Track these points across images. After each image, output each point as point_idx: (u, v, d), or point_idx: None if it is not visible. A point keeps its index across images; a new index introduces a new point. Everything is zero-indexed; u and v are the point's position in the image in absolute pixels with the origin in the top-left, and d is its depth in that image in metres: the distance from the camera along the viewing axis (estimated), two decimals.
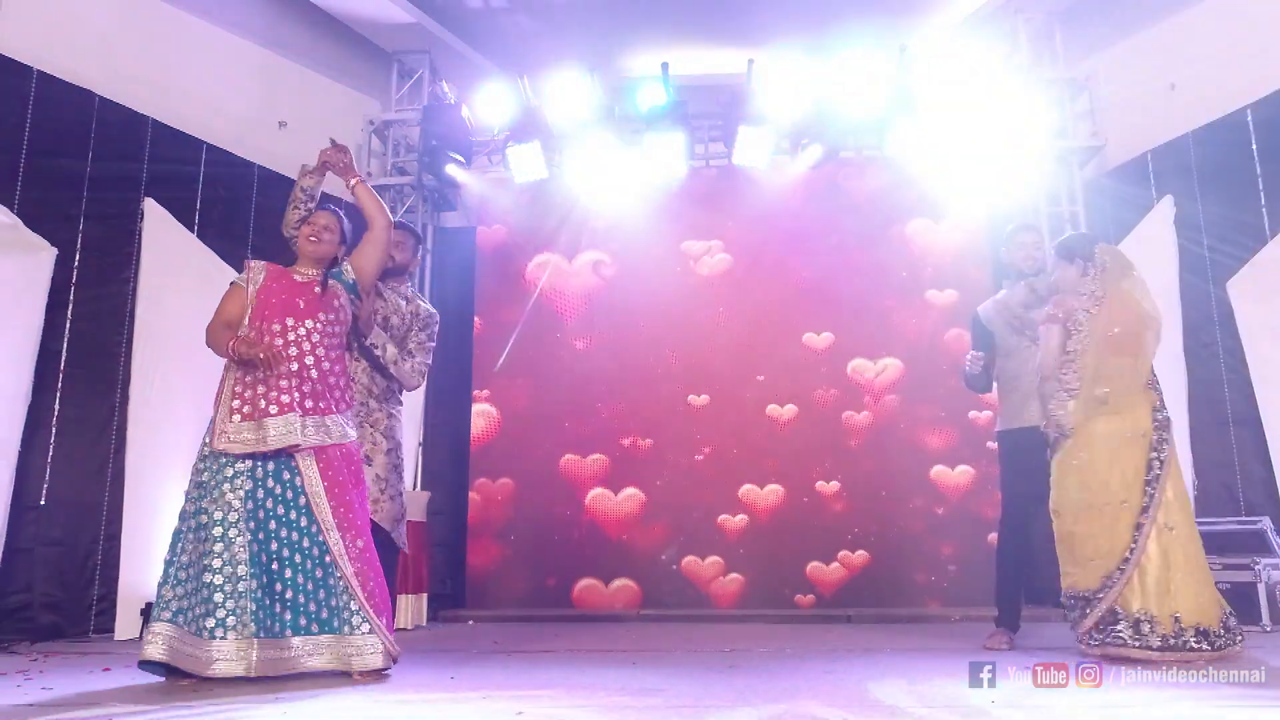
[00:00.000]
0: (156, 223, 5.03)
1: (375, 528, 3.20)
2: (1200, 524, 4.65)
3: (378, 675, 2.83)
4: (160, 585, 2.83)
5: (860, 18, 5.94)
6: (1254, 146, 5.10)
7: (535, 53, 6.41)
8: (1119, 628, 3.05)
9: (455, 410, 6.32)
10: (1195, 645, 2.97)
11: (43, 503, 4.49)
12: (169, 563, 2.85)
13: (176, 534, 2.88)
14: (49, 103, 4.74)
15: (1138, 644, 3.00)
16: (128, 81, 5.20)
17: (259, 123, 6.09)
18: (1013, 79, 5.94)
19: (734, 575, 5.88)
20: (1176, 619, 3.01)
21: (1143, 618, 3.03)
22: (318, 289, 3.06)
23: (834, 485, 5.94)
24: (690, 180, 6.36)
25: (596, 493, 6.05)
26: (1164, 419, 3.22)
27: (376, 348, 3.42)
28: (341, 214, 3.30)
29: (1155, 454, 3.15)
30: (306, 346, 2.97)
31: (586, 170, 6.25)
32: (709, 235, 6.37)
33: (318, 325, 3.01)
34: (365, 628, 2.83)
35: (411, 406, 5.94)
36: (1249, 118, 5.14)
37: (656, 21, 6.27)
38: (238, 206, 5.68)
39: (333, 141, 3.36)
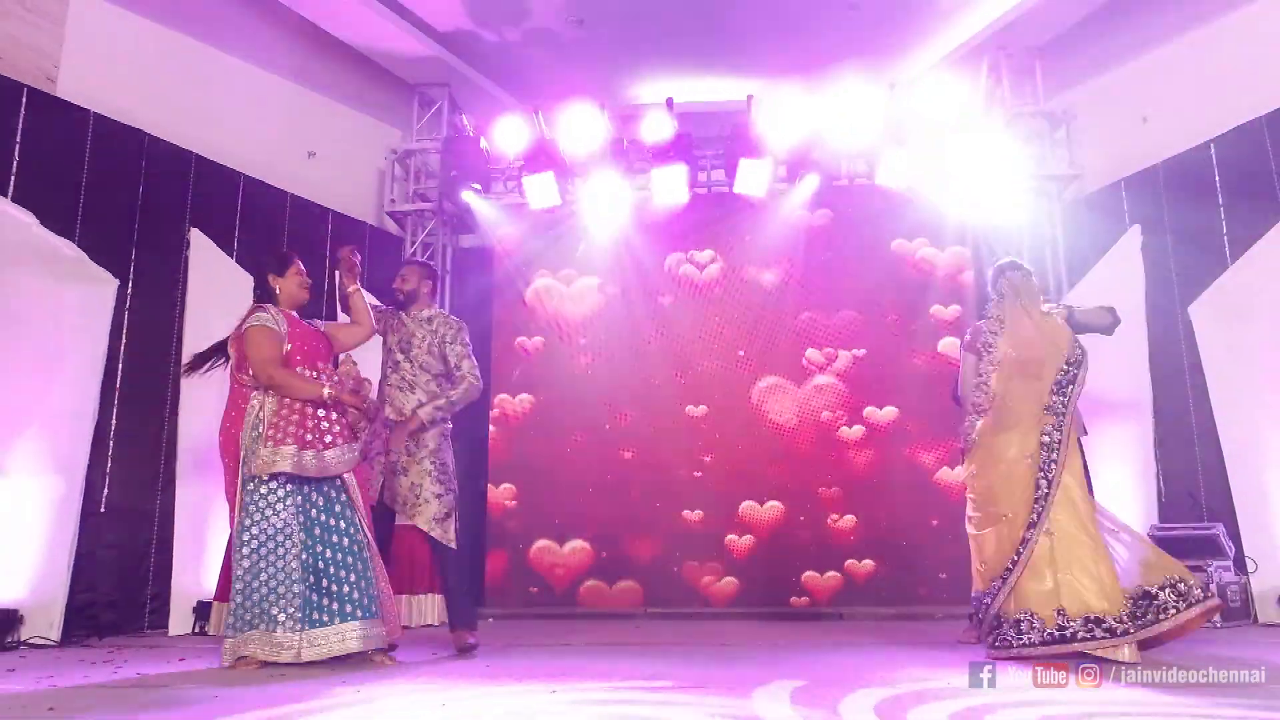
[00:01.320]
0: (201, 251, 5.45)
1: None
2: (1162, 529, 5.12)
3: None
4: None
5: (852, 56, 6.36)
6: (1216, 179, 5.50)
7: (548, 84, 6.82)
8: (1003, 629, 3.35)
9: (473, 419, 6.73)
10: (1085, 635, 3.15)
11: (102, 510, 4.91)
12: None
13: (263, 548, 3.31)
14: (104, 142, 5.16)
15: (1019, 642, 3.26)
16: (173, 118, 5.63)
17: (290, 153, 6.52)
18: (995, 111, 6.37)
19: (729, 579, 6.30)
20: (1060, 613, 3.23)
21: (1022, 617, 3.29)
22: (328, 341, 3.66)
23: (834, 490, 6.34)
24: (693, 204, 6.76)
25: (602, 500, 6.48)
26: (1053, 440, 3.42)
27: (440, 410, 3.78)
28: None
29: (1042, 474, 3.41)
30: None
31: (596, 197, 6.66)
32: (709, 257, 6.78)
33: (331, 367, 3.58)
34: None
35: None
36: (1212, 151, 5.53)
37: (662, 54, 6.68)
38: (271, 232, 6.10)
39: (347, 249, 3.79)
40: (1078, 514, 3.37)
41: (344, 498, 3.43)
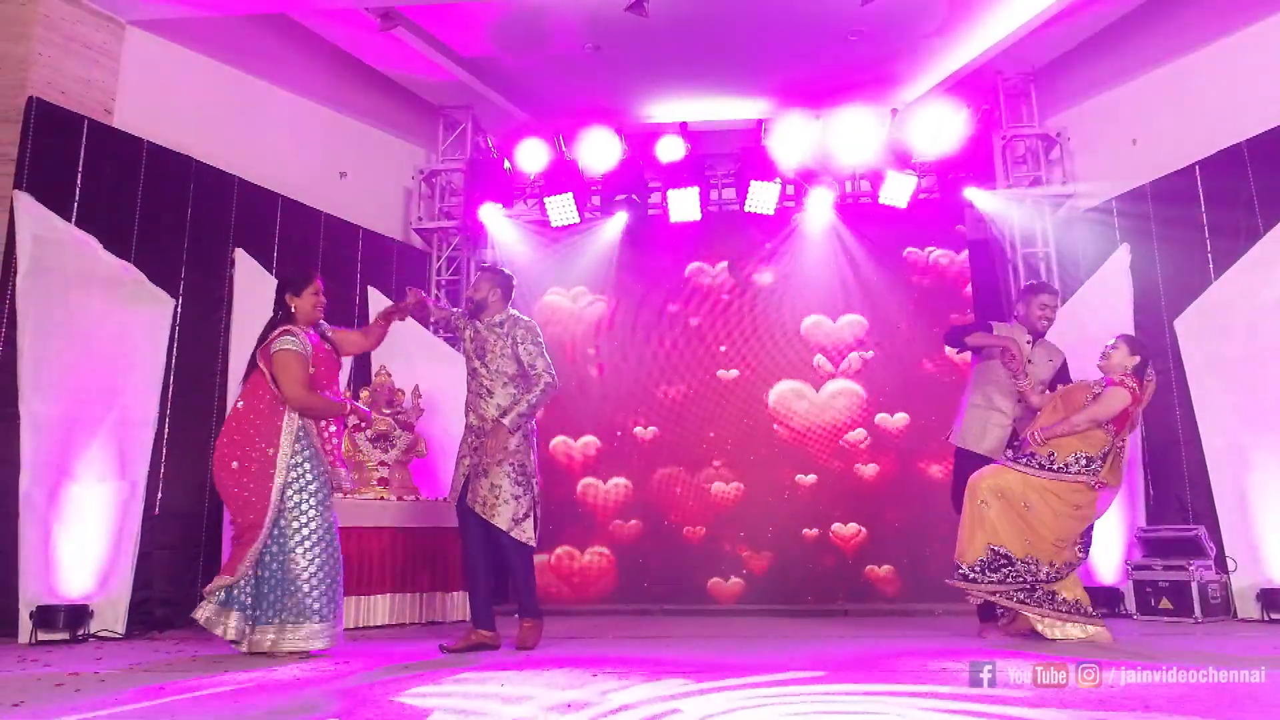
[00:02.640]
0: (246, 270, 5.80)
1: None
2: (1148, 531, 5.44)
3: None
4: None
5: (855, 80, 6.71)
6: (1201, 199, 5.81)
7: (567, 106, 7.18)
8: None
9: None
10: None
11: (156, 513, 5.27)
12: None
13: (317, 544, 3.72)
14: (156, 168, 5.51)
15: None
16: (218, 145, 5.99)
17: (323, 174, 6.88)
18: (992, 132, 6.71)
19: (735, 580, 6.67)
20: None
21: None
22: (337, 358, 4.05)
23: (852, 527, 6.68)
24: (705, 220, 7.09)
25: (617, 505, 6.84)
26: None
27: (522, 416, 3.98)
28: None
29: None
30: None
31: (614, 214, 7.01)
32: (721, 271, 7.13)
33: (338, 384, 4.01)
34: None
35: (455, 417, 6.75)
36: (1198, 173, 5.84)
37: (675, 77, 7.01)
38: (307, 250, 6.46)
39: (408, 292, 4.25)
40: None
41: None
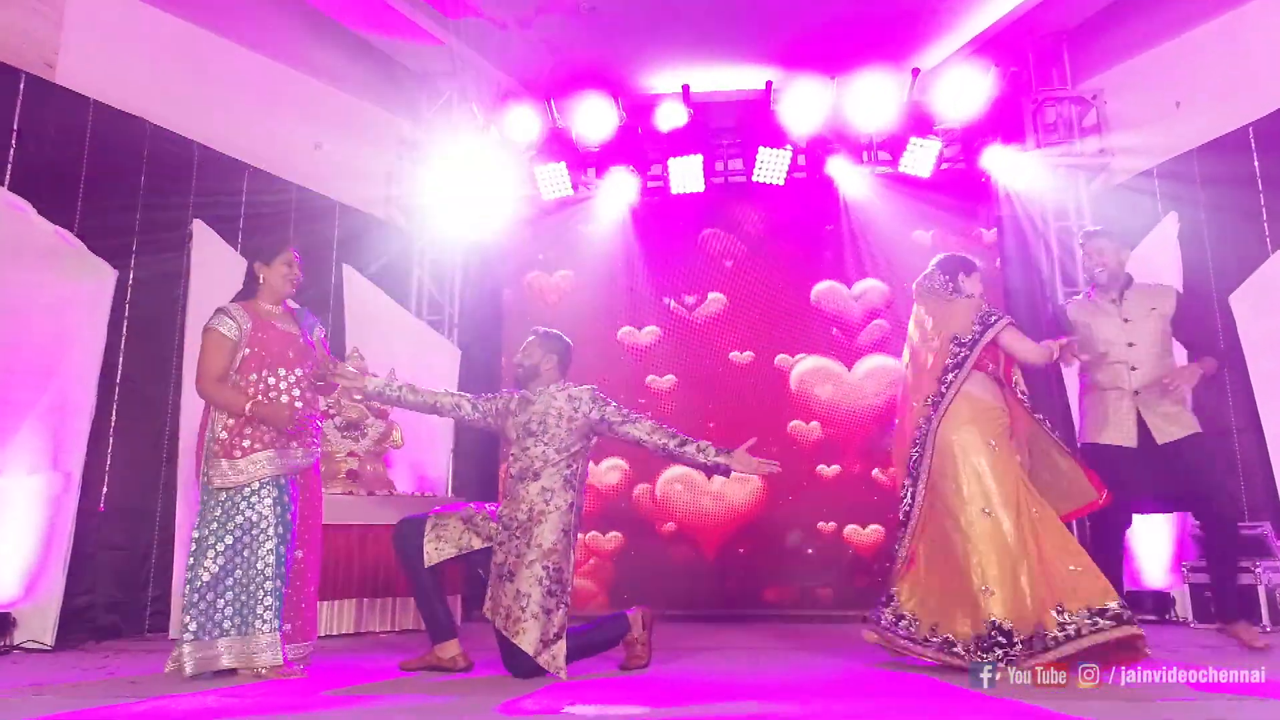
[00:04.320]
0: (204, 243, 5.29)
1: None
2: (1202, 529, 4.86)
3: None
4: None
5: (873, 42, 6.15)
6: (1256, 164, 5.28)
7: (560, 73, 6.65)
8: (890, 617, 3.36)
9: None
10: (934, 643, 3.18)
11: (102, 509, 4.76)
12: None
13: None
14: (104, 130, 5.01)
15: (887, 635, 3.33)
16: (176, 108, 5.46)
17: (296, 144, 6.34)
18: (1021, 97, 6.16)
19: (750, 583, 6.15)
20: (933, 627, 3.22)
21: (905, 615, 3.28)
22: (301, 340, 3.48)
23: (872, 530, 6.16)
24: (710, 191, 6.58)
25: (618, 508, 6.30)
26: (920, 434, 3.38)
27: (700, 456, 3.34)
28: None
29: (912, 471, 3.40)
30: (296, 393, 3.38)
31: (610, 187, 6.49)
32: (729, 246, 6.62)
33: (302, 373, 3.42)
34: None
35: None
36: (1251, 135, 5.31)
37: (677, 42, 6.48)
38: (278, 226, 5.94)
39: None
40: (953, 517, 3.32)
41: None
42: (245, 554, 3.17)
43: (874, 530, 6.09)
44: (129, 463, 4.88)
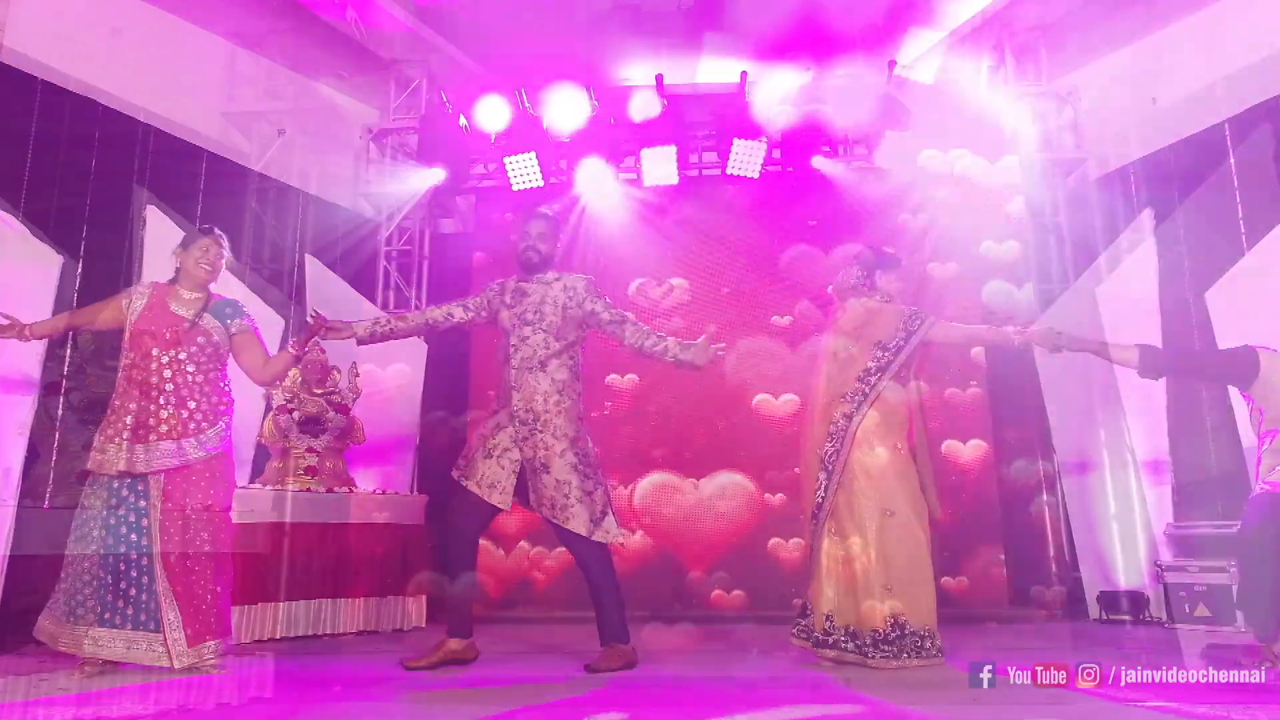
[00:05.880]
0: (158, 228, 5.07)
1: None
2: (1178, 528, 4.84)
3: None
4: None
5: (850, 34, 6.06)
6: (1231, 160, 5.25)
7: (532, 62, 6.50)
8: (806, 621, 3.39)
9: (452, 413, 6.40)
10: (843, 643, 3.22)
11: (46, 506, 4.55)
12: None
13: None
14: (53, 111, 4.81)
15: (804, 639, 3.38)
16: (131, 90, 5.28)
17: (259, 131, 6.17)
18: (998, 92, 6.10)
19: (737, 592, 6.03)
20: (828, 618, 3.29)
21: (823, 615, 3.32)
22: (186, 325, 3.35)
23: None
24: (684, 184, 6.46)
25: None
26: (837, 429, 3.35)
27: (665, 355, 3.33)
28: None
29: (826, 466, 3.37)
30: (167, 375, 3.30)
31: (581, 179, 6.35)
32: (708, 241, 6.49)
33: (181, 355, 3.32)
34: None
35: (409, 410, 6.07)
36: (1227, 132, 5.29)
37: (652, 33, 6.36)
38: (238, 213, 5.76)
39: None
40: (859, 519, 3.36)
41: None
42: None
43: None
44: (77, 457, 4.67)
